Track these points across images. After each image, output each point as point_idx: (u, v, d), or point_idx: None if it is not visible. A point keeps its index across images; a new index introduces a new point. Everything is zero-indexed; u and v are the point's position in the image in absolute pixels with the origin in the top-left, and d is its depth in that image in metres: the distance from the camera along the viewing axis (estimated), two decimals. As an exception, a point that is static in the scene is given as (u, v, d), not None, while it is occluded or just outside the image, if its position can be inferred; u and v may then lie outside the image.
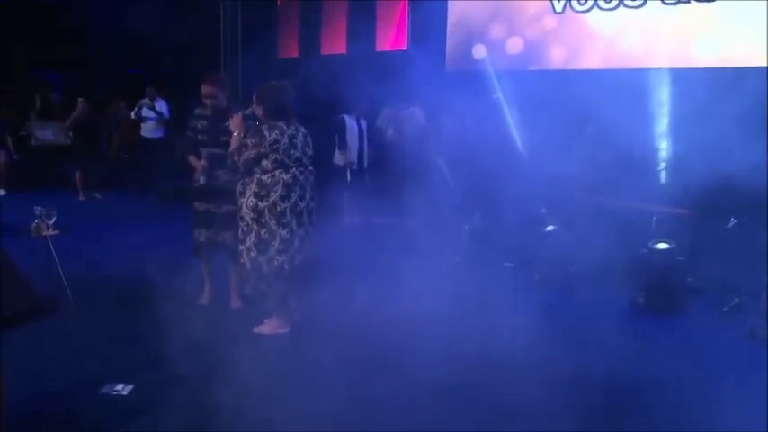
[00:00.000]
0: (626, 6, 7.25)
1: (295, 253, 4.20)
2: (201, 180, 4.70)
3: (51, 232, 4.88)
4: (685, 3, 6.80)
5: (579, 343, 4.34)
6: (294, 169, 4.16)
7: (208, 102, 4.63)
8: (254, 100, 4.21)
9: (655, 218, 5.65)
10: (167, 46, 13.19)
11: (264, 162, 4.08)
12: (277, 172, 4.10)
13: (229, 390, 3.47)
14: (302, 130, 4.28)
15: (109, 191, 10.22)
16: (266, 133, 4.08)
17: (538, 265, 5.78)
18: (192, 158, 4.80)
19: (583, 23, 7.57)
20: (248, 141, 4.09)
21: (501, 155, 6.61)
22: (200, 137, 4.70)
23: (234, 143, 4.23)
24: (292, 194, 4.14)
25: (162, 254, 6.46)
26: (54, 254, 4.96)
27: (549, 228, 5.82)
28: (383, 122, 8.90)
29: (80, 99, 9.62)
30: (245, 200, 4.15)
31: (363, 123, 8.21)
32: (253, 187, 4.12)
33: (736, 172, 4.74)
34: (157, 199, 9.90)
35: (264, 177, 4.10)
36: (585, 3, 7.57)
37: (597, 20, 7.43)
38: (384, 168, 8.05)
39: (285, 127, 4.15)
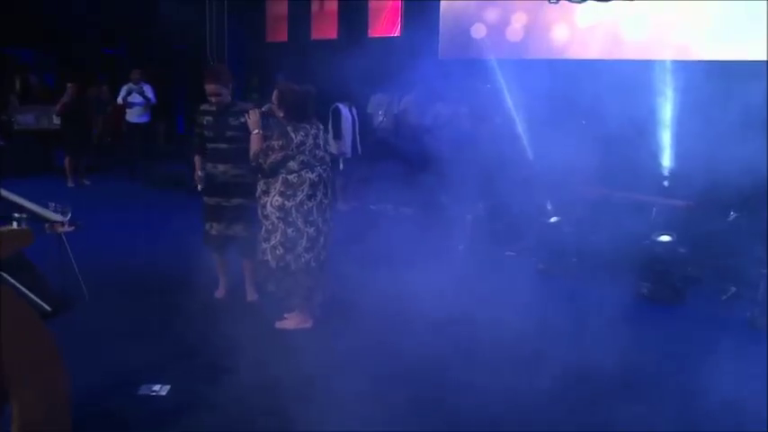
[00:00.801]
0: (619, -2, 7.39)
1: (320, 249, 4.27)
2: (199, 187, 4.77)
3: (67, 229, 4.84)
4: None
5: (585, 332, 4.49)
6: (319, 168, 4.21)
7: (213, 99, 4.63)
8: (275, 100, 4.23)
9: (654, 209, 5.83)
10: (145, 24, 13.02)
11: (291, 163, 4.13)
12: (303, 172, 4.14)
13: (269, 386, 3.57)
14: (321, 127, 4.33)
15: (95, 176, 10.08)
16: (292, 135, 4.11)
17: (540, 255, 5.93)
18: (196, 159, 4.83)
19: (578, 14, 7.69)
20: (274, 144, 4.12)
21: (500, 144, 6.72)
22: (206, 133, 4.71)
23: (254, 142, 4.25)
24: (318, 193, 4.20)
25: (168, 243, 6.49)
26: (69, 250, 4.93)
27: (553, 219, 5.97)
28: (373, 108, 8.95)
29: (69, 84, 9.43)
30: (270, 199, 4.19)
31: (354, 111, 8.25)
32: (278, 187, 4.16)
33: (736, 166, 4.94)
34: (146, 184, 9.82)
35: (291, 177, 4.14)
36: (580, -7, 7.68)
37: (592, 11, 7.56)
38: (378, 155, 8.12)
39: (309, 127, 4.19)
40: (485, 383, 3.71)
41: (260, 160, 4.18)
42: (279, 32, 11.14)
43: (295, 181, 4.15)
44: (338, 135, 8.01)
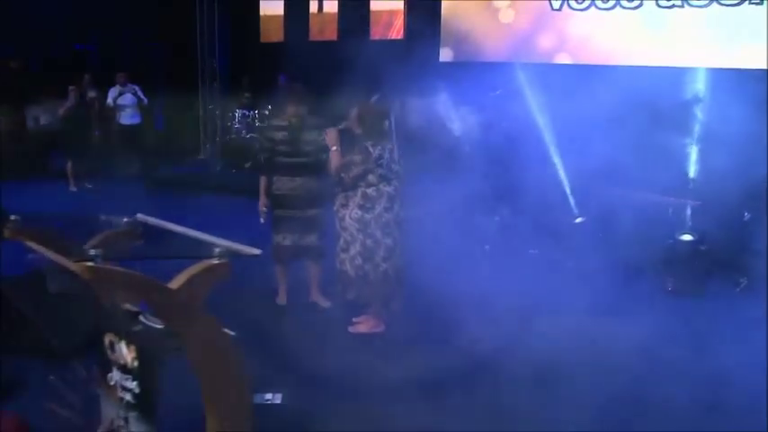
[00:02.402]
0: (623, 7, 7.83)
1: (397, 259, 4.53)
2: (262, 219, 4.99)
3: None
4: (679, 7, 7.46)
5: (617, 325, 4.87)
6: (395, 181, 4.46)
7: (291, 117, 4.83)
8: (354, 118, 4.46)
9: (671, 209, 6.29)
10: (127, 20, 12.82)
11: (370, 176, 4.37)
12: (381, 185, 4.40)
13: (365, 390, 3.82)
14: (395, 142, 4.58)
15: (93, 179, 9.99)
16: (371, 150, 4.36)
17: (570, 253, 6.32)
18: (262, 180, 5.02)
19: (581, 20, 8.09)
20: (356, 158, 4.35)
21: (518, 146, 7.07)
22: (280, 147, 4.89)
23: (334, 158, 4.48)
24: (394, 205, 4.46)
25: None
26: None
27: (578, 219, 6.36)
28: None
29: (71, 87, 9.31)
30: (349, 212, 4.43)
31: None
32: (357, 200, 4.41)
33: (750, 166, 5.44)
34: (149, 186, 9.79)
35: (369, 191, 4.39)
36: (583, 2, 8.09)
37: (596, 18, 7.97)
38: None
39: (385, 143, 4.44)
40: (590, 391, 3.93)
41: (342, 174, 4.41)
42: (274, 33, 11.21)
43: (374, 194, 4.39)
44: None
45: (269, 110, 9.97)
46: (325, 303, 5.13)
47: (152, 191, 9.58)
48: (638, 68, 7.32)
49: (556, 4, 8.28)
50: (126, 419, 2.81)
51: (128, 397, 2.75)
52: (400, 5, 9.64)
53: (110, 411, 2.87)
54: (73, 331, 2.82)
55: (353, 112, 4.49)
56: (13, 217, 2.78)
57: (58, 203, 8.69)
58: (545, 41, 8.34)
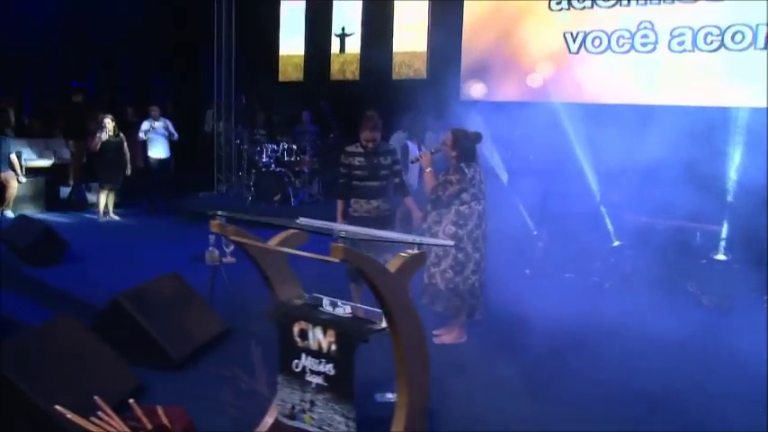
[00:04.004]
0: (637, 51, 8.52)
1: (482, 272, 4.93)
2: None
3: (229, 260, 5.25)
4: (690, 51, 8.18)
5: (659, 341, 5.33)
6: (483, 200, 4.89)
7: (369, 143, 5.23)
8: (448, 143, 4.91)
9: (698, 233, 6.87)
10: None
11: (464, 195, 4.80)
12: (473, 203, 4.82)
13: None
14: (481, 165, 5.03)
15: (119, 211, 10.17)
16: (466, 171, 4.80)
17: (603, 275, 6.81)
18: (340, 203, 5.39)
19: (598, 63, 8.73)
20: (451, 178, 4.79)
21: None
22: (357, 172, 5.27)
23: (429, 178, 4.91)
24: (483, 223, 4.88)
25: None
26: (225, 279, 5.34)
27: (616, 243, 6.88)
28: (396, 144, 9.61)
29: (106, 118, 9.54)
30: (443, 228, 4.83)
31: (422, 147, 8.61)
32: (451, 217, 4.82)
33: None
34: (177, 218, 10.00)
35: (462, 208, 4.81)
36: (600, 46, 8.76)
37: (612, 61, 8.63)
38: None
39: (476, 165, 4.89)
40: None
41: (438, 193, 4.83)
42: (293, 72, 11.68)
43: (467, 212, 4.81)
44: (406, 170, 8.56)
45: (331, 138, 10.41)
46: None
47: (182, 222, 9.78)
48: (649, 107, 7.99)
49: (573, 48, 8.91)
50: (312, 402, 3.11)
51: (317, 380, 3.07)
52: (423, 47, 10.22)
53: (291, 397, 3.17)
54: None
55: (448, 137, 4.93)
56: (219, 213, 3.12)
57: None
58: (564, 82, 8.93)
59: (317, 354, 3.05)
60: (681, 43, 8.08)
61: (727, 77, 7.82)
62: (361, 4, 11.13)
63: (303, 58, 11.63)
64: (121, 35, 13.88)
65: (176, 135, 10.56)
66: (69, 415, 2.36)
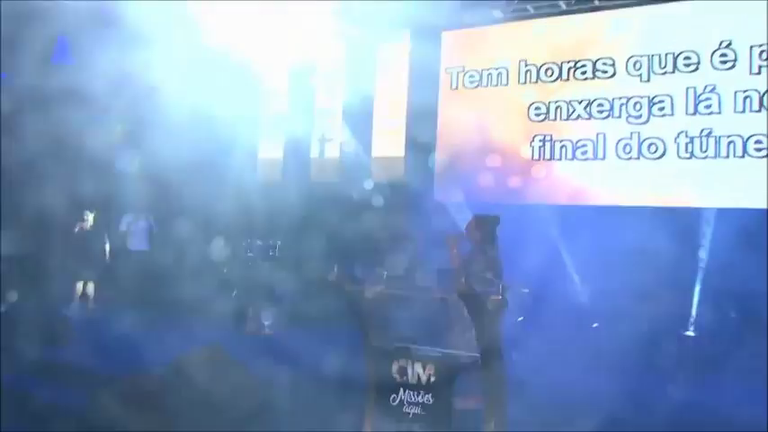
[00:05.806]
0: (644, 158, 8.59)
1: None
2: None
3: (267, 332, 5.66)
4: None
5: None
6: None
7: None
8: (473, 227, 5.61)
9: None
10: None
11: (488, 273, 5.48)
12: (495, 280, 5.50)
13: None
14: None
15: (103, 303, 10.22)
16: (488, 251, 5.52)
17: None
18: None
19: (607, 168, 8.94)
20: (476, 257, 5.49)
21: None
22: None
23: (455, 258, 5.58)
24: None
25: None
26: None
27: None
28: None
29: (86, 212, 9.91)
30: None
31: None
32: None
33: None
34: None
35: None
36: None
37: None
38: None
39: (496, 248, 5.62)
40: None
41: (464, 270, 5.49)
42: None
43: (489, 286, 5.48)
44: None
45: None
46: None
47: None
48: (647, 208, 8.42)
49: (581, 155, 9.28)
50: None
51: (415, 410, 3.57)
52: (401, 152, 10.94)
53: (387, 426, 3.63)
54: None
55: (471, 222, 5.66)
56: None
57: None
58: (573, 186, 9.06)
59: (416, 387, 3.55)
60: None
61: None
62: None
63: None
64: None
65: (156, 228, 10.87)
66: None
